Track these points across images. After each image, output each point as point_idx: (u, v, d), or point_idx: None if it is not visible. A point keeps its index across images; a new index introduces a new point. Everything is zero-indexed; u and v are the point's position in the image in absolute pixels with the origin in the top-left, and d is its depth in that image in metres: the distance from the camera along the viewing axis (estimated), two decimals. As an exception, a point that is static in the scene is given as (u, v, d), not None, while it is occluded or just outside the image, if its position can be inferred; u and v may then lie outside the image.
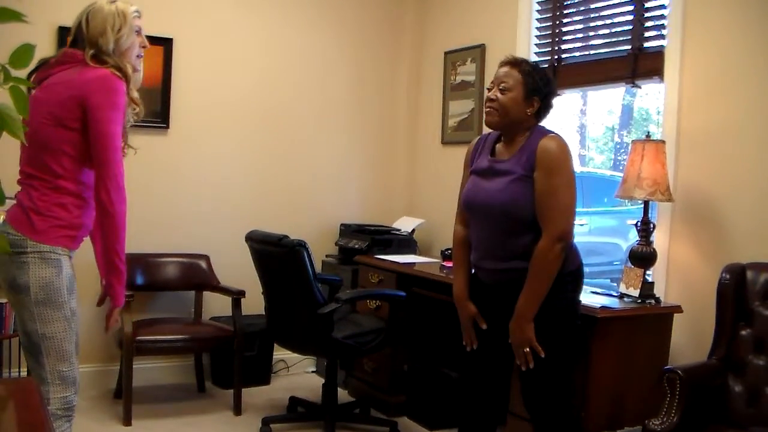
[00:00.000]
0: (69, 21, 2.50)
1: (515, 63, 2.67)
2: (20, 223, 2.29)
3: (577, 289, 2.67)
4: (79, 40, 2.39)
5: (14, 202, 2.36)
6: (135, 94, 2.45)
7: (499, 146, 2.73)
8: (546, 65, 4.01)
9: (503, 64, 2.69)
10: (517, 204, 2.54)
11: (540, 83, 2.63)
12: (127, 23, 2.41)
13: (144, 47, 2.51)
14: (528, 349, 2.54)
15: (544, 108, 2.68)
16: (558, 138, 2.58)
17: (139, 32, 2.47)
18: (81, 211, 2.37)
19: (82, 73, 2.32)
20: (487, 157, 2.72)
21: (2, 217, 3.46)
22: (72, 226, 2.35)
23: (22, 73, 1.17)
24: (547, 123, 2.75)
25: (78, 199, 2.36)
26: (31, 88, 2.31)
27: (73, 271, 2.39)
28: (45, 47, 3.84)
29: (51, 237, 2.29)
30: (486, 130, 2.85)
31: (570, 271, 2.60)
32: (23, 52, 1.15)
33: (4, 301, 3.68)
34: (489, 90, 2.68)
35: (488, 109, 2.65)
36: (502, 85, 2.63)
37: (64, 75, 2.34)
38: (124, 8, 2.42)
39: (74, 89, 2.30)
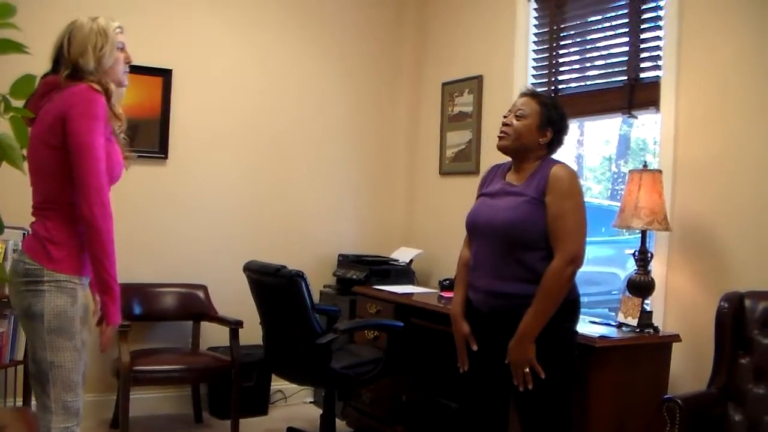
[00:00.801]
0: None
1: (535, 95, 2.77)
2: (36, 253, 2.28)
3: (575, 320, 2.67)
4: (61, 62, 2.36)
5: (28, 231, 2.36)
6: (119, 110, 2.41)
7: (509, 174, 2.78)
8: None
9: (523, 95, 2.78)
10: (521, 223, 2.57)
11: (556, 116, 2.71)
12: (108, 41, 2.37)
13: (128, 63, 2.47)
14: (528, 370, 2.53)
15: (556, 141, 2.73)
16: (568, 167, 2.66)
17: (122, 48, 2.43)
18: None
19: (63, 94, 2.29)
20: (500, 181, 2.77)
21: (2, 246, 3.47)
22: (84, 251, 2.33)
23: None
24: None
25: None
26: (31, 119, 2.30)
27: (87, 301, 2.36)
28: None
29: (67, 266, 2.29)
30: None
31: (568, 302, 2.60)
32: (24, 83, 1.16)
33: (1, 330, 3.66)
34: (505, 117, 2.74)
35: (502, 134, 2.72)
36: (519, 112, 2.70)
37: (50, 104, 2.32)
38: (105, 26, 2.38)
39: (57, 110, 2.27)
